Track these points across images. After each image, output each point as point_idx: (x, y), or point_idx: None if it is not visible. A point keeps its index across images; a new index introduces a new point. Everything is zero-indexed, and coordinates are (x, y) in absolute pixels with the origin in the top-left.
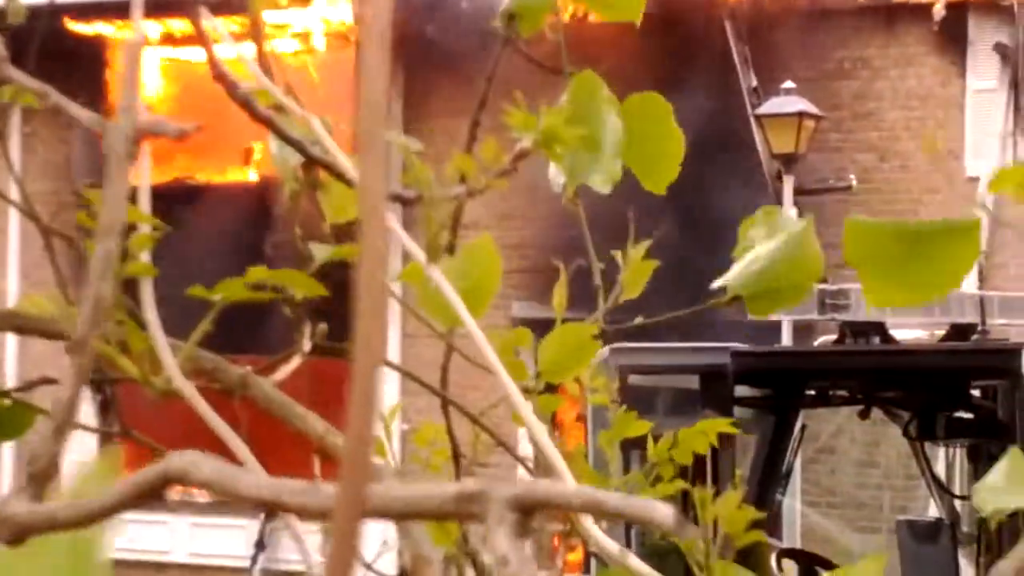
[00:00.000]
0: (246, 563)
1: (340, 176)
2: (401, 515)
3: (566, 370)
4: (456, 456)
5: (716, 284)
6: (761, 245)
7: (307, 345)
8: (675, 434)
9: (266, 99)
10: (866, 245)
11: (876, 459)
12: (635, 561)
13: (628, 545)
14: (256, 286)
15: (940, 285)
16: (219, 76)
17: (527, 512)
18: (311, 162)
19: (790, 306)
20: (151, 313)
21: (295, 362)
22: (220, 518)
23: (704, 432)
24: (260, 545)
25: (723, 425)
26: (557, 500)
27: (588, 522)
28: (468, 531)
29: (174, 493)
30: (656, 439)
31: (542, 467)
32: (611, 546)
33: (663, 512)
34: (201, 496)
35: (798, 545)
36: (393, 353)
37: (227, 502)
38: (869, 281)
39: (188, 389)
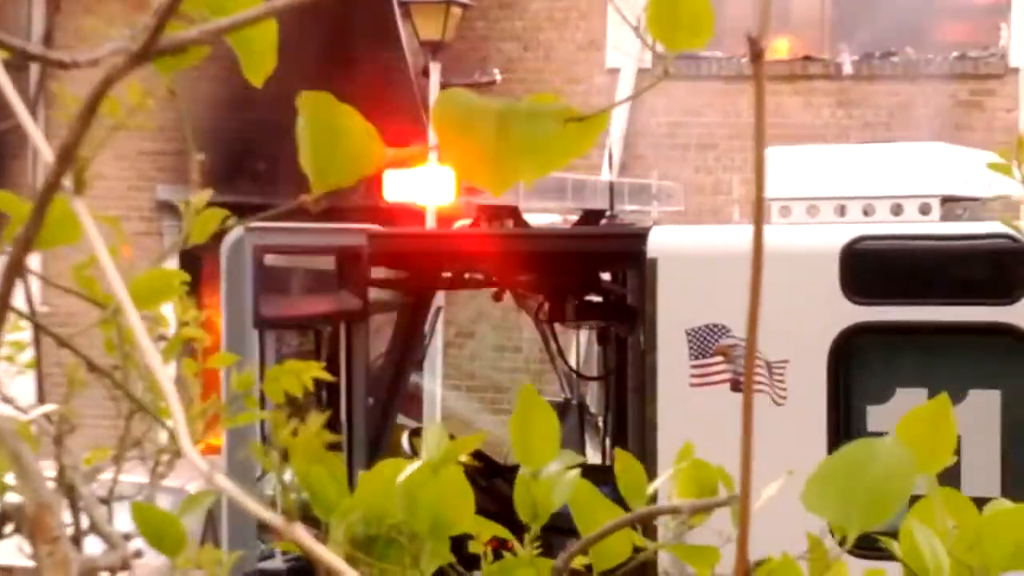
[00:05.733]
0: None
1: None
2: None
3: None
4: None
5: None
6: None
7: None
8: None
9: None
10: (454, 117)
11: (517, 344)
12: (221, 479)
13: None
14: None
15: (525, 169)
16: None
17: None
18: None
19: (353, 179)
20: None
21: None
22: None
23: (297, 373)
24: None
25: (316, 369)
26: None
27: (186, 444)
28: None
29: None
30: (294, 320)
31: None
32: (200, 464)
33: None
34: None
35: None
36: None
37: None
38: (449, 154)
39: None
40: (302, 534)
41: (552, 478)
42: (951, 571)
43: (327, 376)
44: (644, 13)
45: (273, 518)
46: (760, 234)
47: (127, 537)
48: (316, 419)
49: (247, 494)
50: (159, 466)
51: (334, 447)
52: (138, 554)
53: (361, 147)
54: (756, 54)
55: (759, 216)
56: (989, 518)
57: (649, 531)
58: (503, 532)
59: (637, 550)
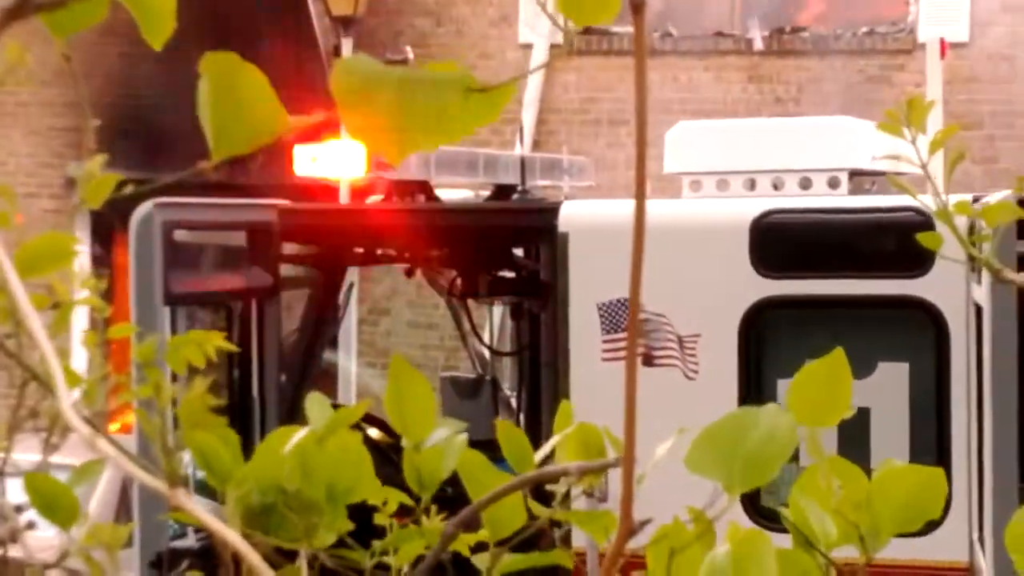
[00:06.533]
0: None
1: None
2: None
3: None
4: None
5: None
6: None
7: None
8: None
9: None
10: (354, 84)
11: (432, 320)
12: (104, 444)
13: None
14: None
15: (426, 137)
16: None
17: None
18: None
19: (252, 147)
20: None
21: None
22: None
23: (200, 343)
24: None
25: (219, 339)
26: None
27: (67, 408)
28: None
29: None
30: (204, 297)
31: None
32: (82, 429)
33: None
34: None
35: (353, 403)
36: None
37: None
38: (351, 120)
39: None
40: (186, 500)
41: (438, 448)
42: (840, 534)
43: (230, 347)
44: None
45: (156, 483)
46: (642, 206)
47: (19, 509)
48: (200, 383)
49: (139, 464)
50: (53, 436)
51: (243, 421)
52: (30, 525)
53: (263, 112)
54: (636, 6)
55: (641, 184)
56: (877, 480)
57: (546, 504)
58: (407, 501)
59: (533, 519)
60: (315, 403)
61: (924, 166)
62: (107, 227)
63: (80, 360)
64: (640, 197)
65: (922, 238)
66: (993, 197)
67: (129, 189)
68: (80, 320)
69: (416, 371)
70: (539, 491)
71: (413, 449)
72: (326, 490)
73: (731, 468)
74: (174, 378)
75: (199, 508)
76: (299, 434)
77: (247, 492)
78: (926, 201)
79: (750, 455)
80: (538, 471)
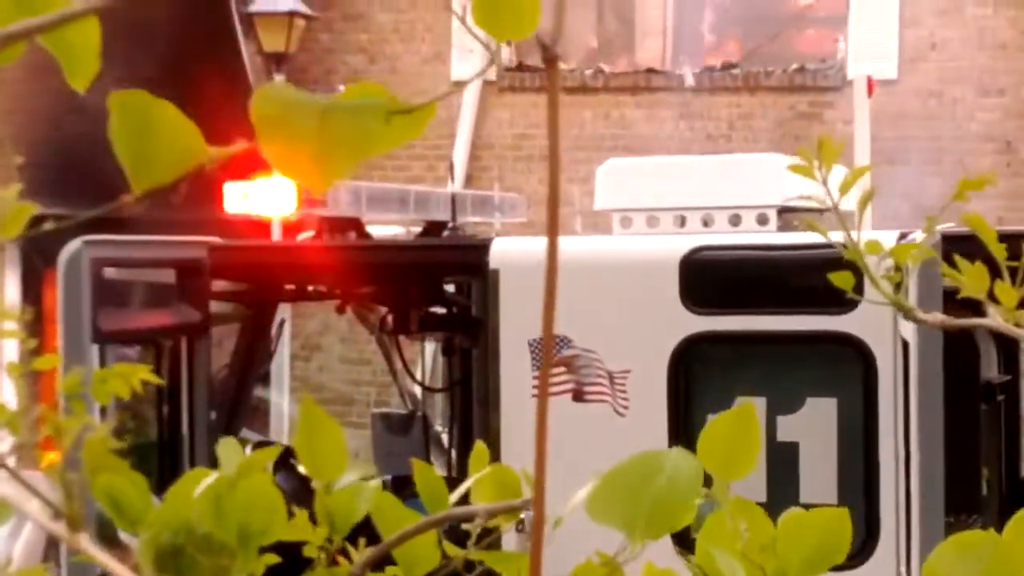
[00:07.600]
0: None
1: None
2: None
3: None
4: None
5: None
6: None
7: None
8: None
9: None
10: (274, 113)
11: (365, 356)
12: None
13: None
14: None
15: (344, 161)
16: None
17: None
18: None
19: (171, 176)
20: None
21: None
22: None
23: (126, 376)
24: None
25: (144, 372)
26: None
27: None
28: None
29: None
30: (134, 334)
31: None
32: None
33: None
34: None
35: (285, 439)
36: None
37: None
38: (272, 151)
39: None
40: (88, 544)
41: (350, 489)
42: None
43: (156, 379)
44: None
45: (55, 527)
46: (555, 242)
47: None
48: (103, 426)
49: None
50: None
51: (173, 459)
52: None
53: (179, 141)
54: (549, 60)
55: (553, 222)
56: (782, 525)
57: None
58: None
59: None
60: (226, 447)
61: (836, 207)
62: (37, 270)
63: (11, 394)
64: (553, 232)
65: (834, 278)
66: (918, 235)
67: (50, 224)
68: (11, 354)
69: (323, 412)
70: (462, 531)
71: (324, 491)
72: (238, 531)
73: (635, 515)
74: (103, 414)
75: (102, 554)
76: (211, 476)
77: (157, 534)
78: (839, 240)
79: (655, 501)
80: (446, 512)
